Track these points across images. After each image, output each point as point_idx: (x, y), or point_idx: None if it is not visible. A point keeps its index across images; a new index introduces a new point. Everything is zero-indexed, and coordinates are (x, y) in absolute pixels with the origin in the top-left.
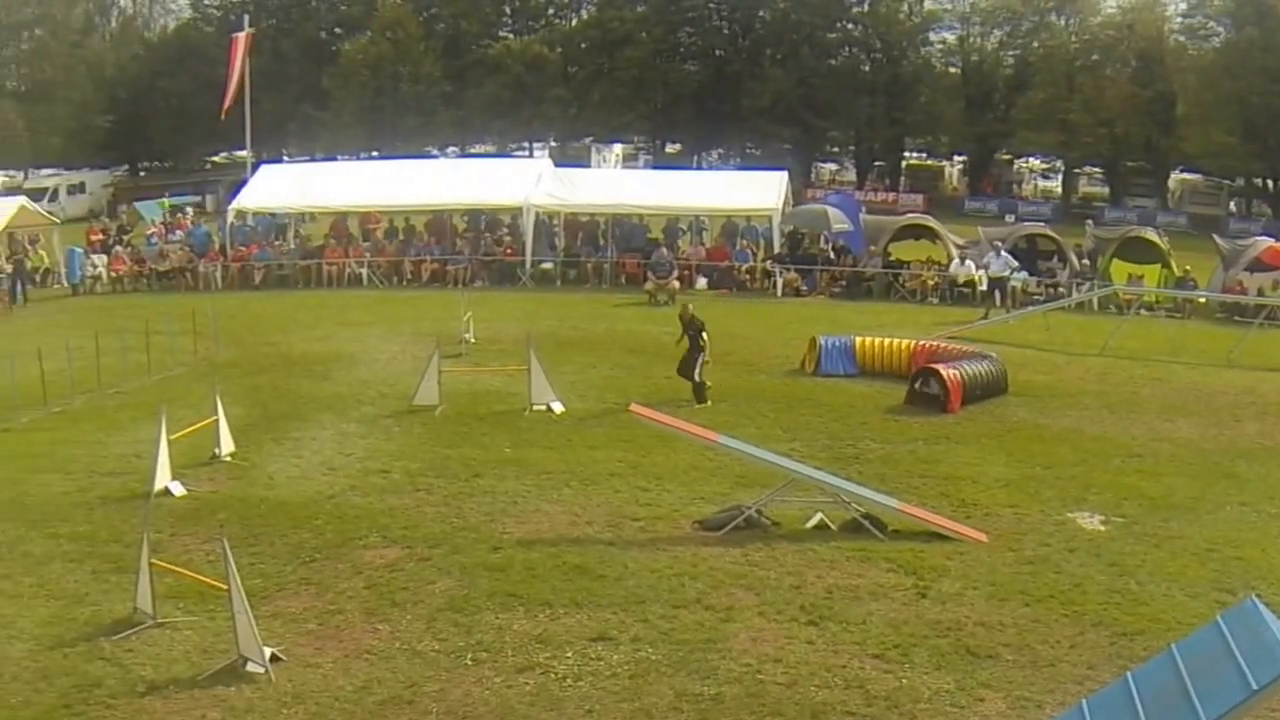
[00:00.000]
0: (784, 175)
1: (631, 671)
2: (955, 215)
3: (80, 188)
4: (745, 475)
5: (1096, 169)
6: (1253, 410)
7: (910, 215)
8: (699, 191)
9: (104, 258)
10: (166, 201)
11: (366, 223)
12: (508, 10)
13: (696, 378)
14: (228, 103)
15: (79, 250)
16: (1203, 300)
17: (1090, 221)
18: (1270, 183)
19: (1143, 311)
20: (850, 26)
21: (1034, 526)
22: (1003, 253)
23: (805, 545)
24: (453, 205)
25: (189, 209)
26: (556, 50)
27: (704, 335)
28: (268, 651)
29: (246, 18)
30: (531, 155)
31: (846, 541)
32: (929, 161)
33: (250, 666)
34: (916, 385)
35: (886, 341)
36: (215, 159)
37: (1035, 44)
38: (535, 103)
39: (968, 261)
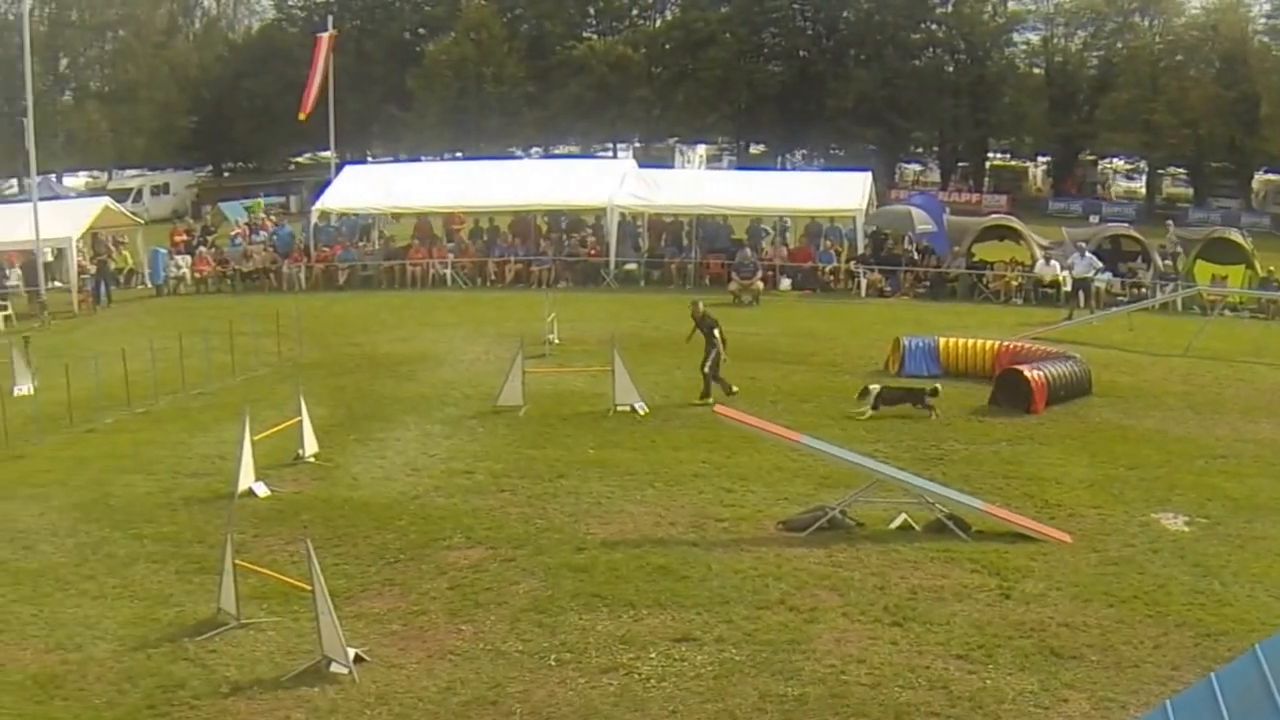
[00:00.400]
0: (868, 176)
1: (715, 672)
2: (1039, 216)
3: (164, 188)
4: (829, 476)
5: (1180, 170)
6: None
7: (994, 216)
8: (783, 192)
9: (188, 258)
10: (261, 202)
11: (450, 223)
12: (591, 11)
13: (705, 370)
14: (309, 105)
15: (163, 251)
16: None
17: (1170, 222)
18: None
19: (1226, 312)
20: (934, 27)
21: (1118, 527)
22: (1087, 253)
23: (889, 546)
24: (537, 206)
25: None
26: (640, 51)
27: (715, 333)
28: (351, 652)
29: (330, 18)
30: (615, 156)
31: (930, 542)
32: (1013, 162)
33: (334, 667)
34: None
35: (970, 342)
36: (299, 159)
37: (1119, 45)
38: (619, 103)
39: (1052, 262)
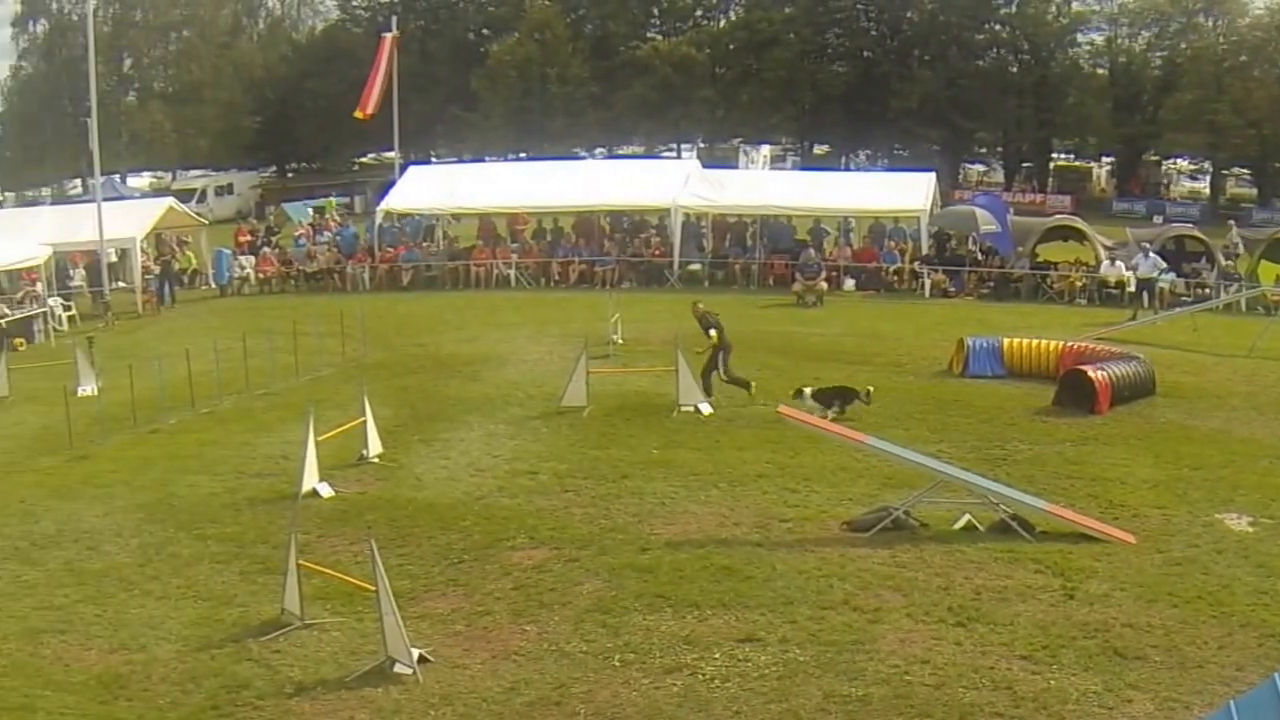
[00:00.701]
0: (931, 176)
1: (779, 673)
2: (1103, 216)
3: (228, 189)
4: (893, 476)
5: (1244, 170)
6: None
7: (1058, 216)
8: (846, 192)
9: (251, 259)
10: (333, 201)
11: (514, 224)
12: (655, 11)
13: (725, 376)
14: (369, 105)
15: (226, 251)
16: None
17: (1233, 221)
18: None
19: None
20: (998, 27)
21: (1182, 527)
22: (1151, 254)
23: (953, 546)
24: (600, 206)
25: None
26: (704, 51)
27: (710, 333)
28: (415, 653)
29: (394, 19)
30: (679, 156)
31: (994, 542)
32: (1077, 163)
33: (398, 668)
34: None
35: (1034, 343)
36: (363, 160)
37: (1183, 45)
38: (683, 104)
39: (1117, 263)
